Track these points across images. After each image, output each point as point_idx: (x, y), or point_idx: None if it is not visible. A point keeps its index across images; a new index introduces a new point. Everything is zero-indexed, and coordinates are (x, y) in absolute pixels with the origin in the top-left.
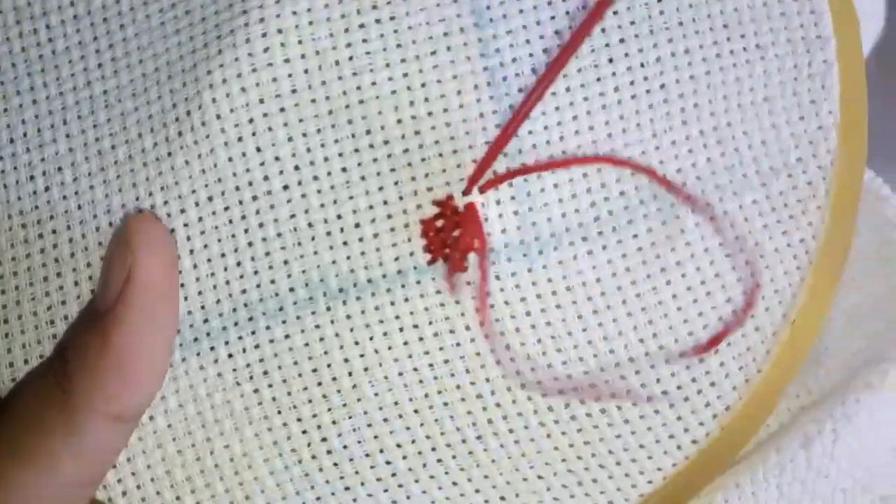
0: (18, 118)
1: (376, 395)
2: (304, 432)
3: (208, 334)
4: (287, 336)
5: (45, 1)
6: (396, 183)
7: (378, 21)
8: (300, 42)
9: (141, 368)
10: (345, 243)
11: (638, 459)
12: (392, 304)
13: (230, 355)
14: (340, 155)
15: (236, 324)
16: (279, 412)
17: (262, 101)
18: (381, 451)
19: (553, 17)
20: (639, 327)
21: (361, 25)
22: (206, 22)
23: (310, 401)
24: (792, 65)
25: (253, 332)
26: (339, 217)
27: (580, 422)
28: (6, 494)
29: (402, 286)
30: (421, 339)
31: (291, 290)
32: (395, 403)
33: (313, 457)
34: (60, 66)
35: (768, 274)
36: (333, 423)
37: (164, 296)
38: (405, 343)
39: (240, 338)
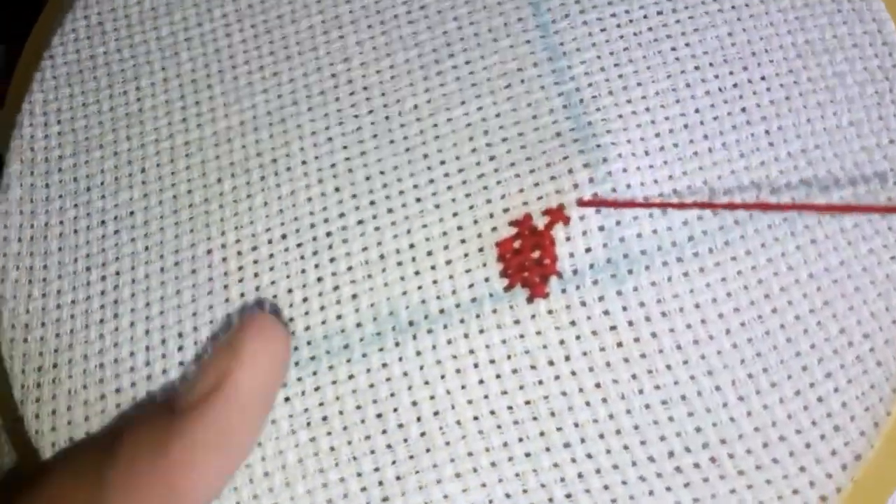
0: (98, 168)
1: (447, 444)
2: (363, 489)
3: None
4: (351, 376)
5: (138, 67)
6: (471, 207)
7: (455, 67)
8: (383, 94)
9: (195, 486)
10: (416, 273)
11: None
12: (466, 336)
13: (286, 399)
14: (415, 187)
15: (297, 364)
16: (336, 464)
17: (345, 147)
18: None
19: (626, 49)
20: (746, 361)
21: (439, 73)
22: (295, 83)
23: (372, 451)
24: (873, 91)
25: (314, 373)
26: (411, 246)
27: (687, 475)
28: None
29: (477, 316)
30: (498, 376)
31: (358, 325)
32: (469, 454)
33: None
34: (145, 121)
35: (882, 302)
36: (398, 478)
37: (246, 419)
38: (480, 382)
39: (299, 379)
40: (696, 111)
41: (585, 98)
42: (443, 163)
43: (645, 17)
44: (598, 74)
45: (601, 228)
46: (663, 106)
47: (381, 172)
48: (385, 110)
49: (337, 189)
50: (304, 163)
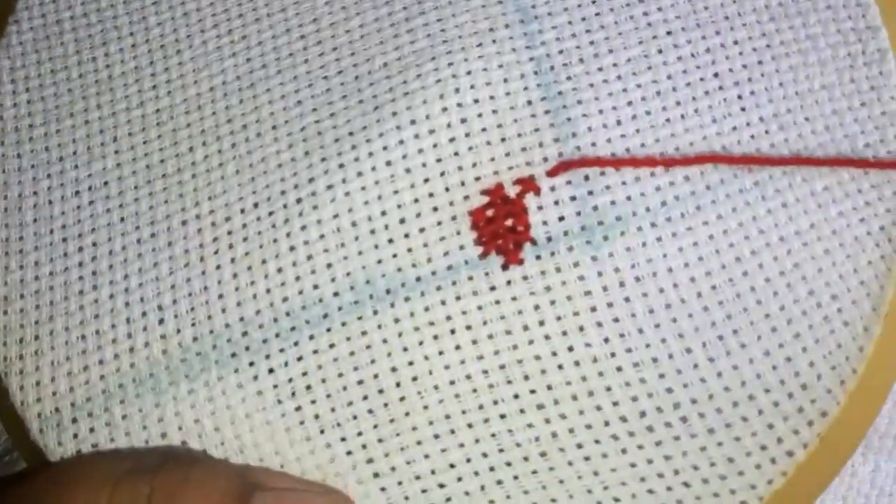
0: (70, 137)
1: (426, 407)
2: (348, 453)
3: (247, 348)
4: (332, 345)
5: (105, 32)
6: (442, 174)
7: (426, 25)
8: (352, 54)
9: None
10: (390, 240)
11: (727, 476)
12: (443, 303)
13: (271, 370)
14: (385, 148)
15: (277, 335)
16: (322, 431)
17: (314, 109)
18: (433, 472)
19: (598, 14)
20: (717, 323)
21: (409, 31)
22: (264, 46)
23: (355, 417)
24: (846, 53)
25: (295, 344)
26: (383, 213)
27: (658, 433)
28: None
29: (454, 283)
30: (475, 342)
31: (336, 294)
32: (447, 417)
33: (359, 482)
34: (115, 88)
35: (851, 264)
36: (380, 441)
37: None
38: (457, 347)
39: (281, 350)
40: (669, 77)
41: (556, 65)
42: (413, 122)
43: None
44: (570, 41)
45: (573, 198)
46: (635, 73)
47: (350, 133)
48: (354, 70)
49: (307, 153)
50: (274, 128)
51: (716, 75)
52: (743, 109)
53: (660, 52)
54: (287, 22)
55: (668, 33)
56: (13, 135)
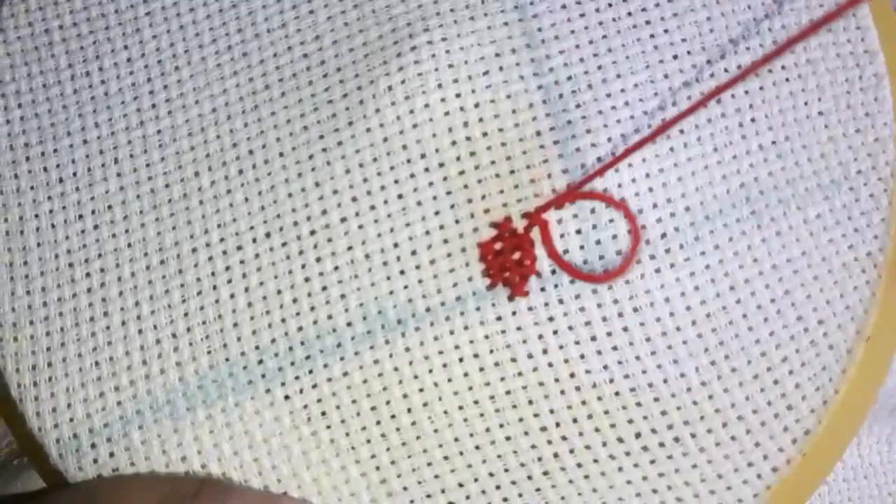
0: (68, 158)
1: (436, 431)
2: (363, 475)
3: (263, 376)
4: (345, 373)
5: (98, 45)
6: (452, 206)
7: (430, 42)
8: (357, 76)
9: None
10: (402, 272)
11: (716, 491)
12: (451, 332)
13: (287, 397)
14: (396, 182)
15: (293, 363)
16: (337, 455)
17: (322, 137)
18: (443, 490)
19: (605, 37)
20: (710, 349)
21: (414, 49)
22: (265, 64)
23: (368, 441)
24: (843, 78)
25: (310, 372)
26: (395, 245)
27: (653, 452)
28: None
29: (462, 313)
30: (482, 369)
31: (349, 324)
32: (456, 440)
33: (373, 500)
34: (112, 106)
35: (838, 290)
36: (392, 463)
37: None
38: (465, 374)
39: (297, 378)
40: (674, 104)
41: (565, 93)
42: (423, 156)
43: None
44: (578, 66)
45: (578, 231)
46: (642, 100)
47: (361, 165)
48: (359, 94)
49: (317, 184)
50: (281, 155)
51: (718, 102)
52: (743, 137)
53: (666, 77)
54: (288, 39)
55: (675, 57)
56: (9, 153)
